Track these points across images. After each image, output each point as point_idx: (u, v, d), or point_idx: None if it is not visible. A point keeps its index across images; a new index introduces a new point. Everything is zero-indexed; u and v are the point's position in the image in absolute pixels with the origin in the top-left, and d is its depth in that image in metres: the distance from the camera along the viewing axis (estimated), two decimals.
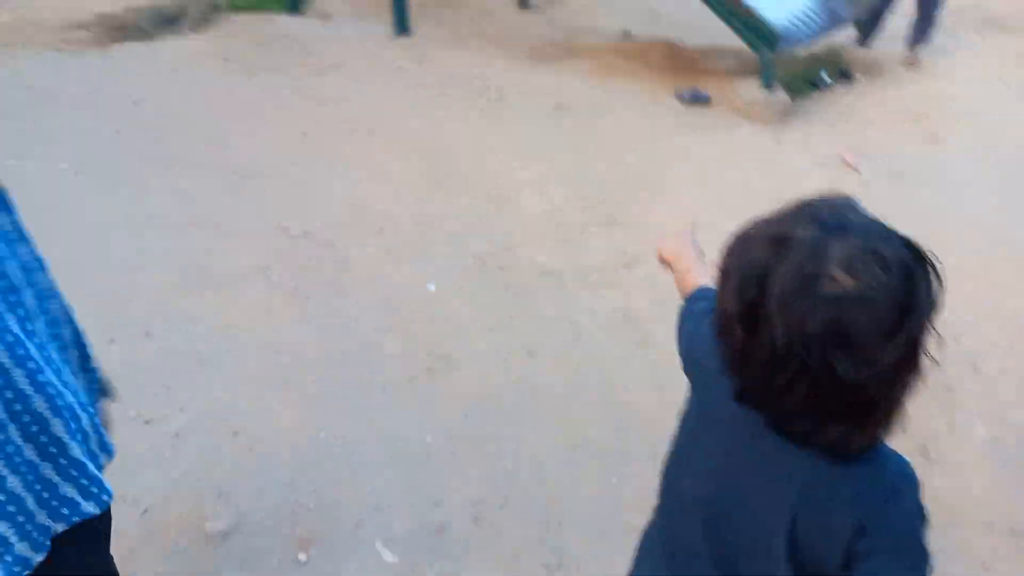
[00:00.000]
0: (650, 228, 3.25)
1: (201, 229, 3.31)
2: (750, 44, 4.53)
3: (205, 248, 3.17)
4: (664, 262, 1.27)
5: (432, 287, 2.92)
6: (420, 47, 5.82)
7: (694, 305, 1.13)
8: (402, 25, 6.10)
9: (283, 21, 6.64)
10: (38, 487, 1.05)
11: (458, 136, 4.23)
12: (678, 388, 2.36)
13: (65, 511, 1.09)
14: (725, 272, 0.85)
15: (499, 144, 4.13)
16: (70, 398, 1.08)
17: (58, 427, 1.05)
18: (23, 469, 1.02)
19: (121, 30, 6.35)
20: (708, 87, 4.85)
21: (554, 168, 3.85)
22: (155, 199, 3.49)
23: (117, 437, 1.27)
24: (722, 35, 4.91)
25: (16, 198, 1.15)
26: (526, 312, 2.78)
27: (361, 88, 5.00)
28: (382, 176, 3.80)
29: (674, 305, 1.21)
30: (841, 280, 0.74)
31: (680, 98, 4.70)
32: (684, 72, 5.15)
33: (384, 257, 3.13)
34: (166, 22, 6.54)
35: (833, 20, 5.09)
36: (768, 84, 4.50)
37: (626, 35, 5.94)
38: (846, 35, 5.60)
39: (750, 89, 4.63)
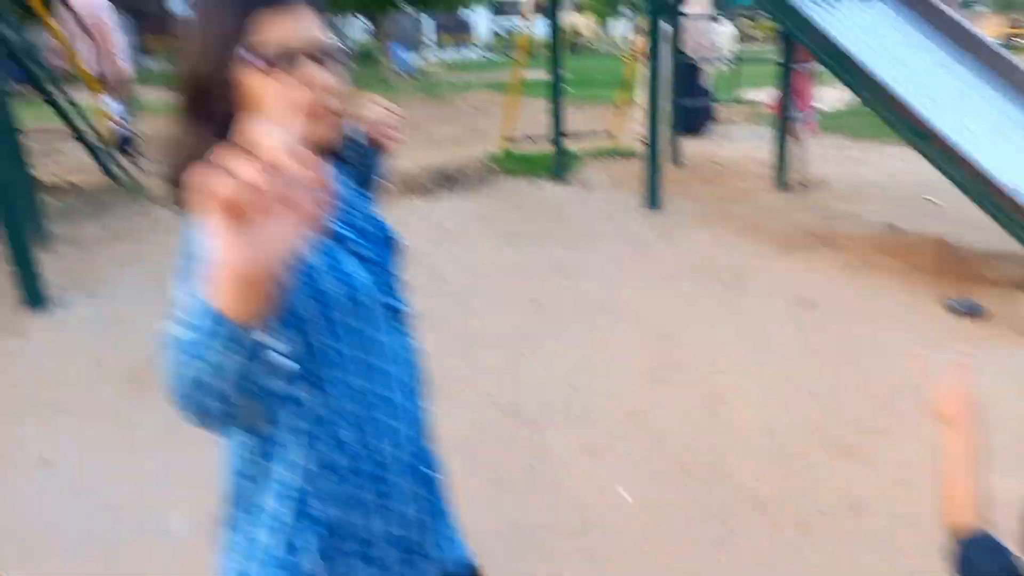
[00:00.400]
0: (888, 467, 2.71)
1: None
2: None
3: None
4: (941, 418, 1.12)
5: (626, 495, 2.65)
6: (668, 222, 5.75)
7: (978, 558, 0.96)
8: (653, 200, 6.11)
9: (547, 187, 6.98)
10: None
11: (686, 321, 3.99)
12: None
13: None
14: None
15: (728, 337, 3.81)
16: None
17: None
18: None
19: (409, 186, 7.06)
20: (985, 297, 4.16)
21: (784, 373, 3.44)
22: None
23: None
24: (1008, 235, 4.25)
25: None
26: (727, 549, 2.38)
27: (601, 260, 4.98)
28: (601, 357, 3.65)
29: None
30: None
31: (949, 307, 4.07)
32: (956, 277, 4.49)
33: (583, 449, 2.92)
34: (446, 181, 7.18)
35: None
36: None
37: (891, 227, 5.40)
38: None
39: None
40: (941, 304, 4.12)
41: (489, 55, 32.42)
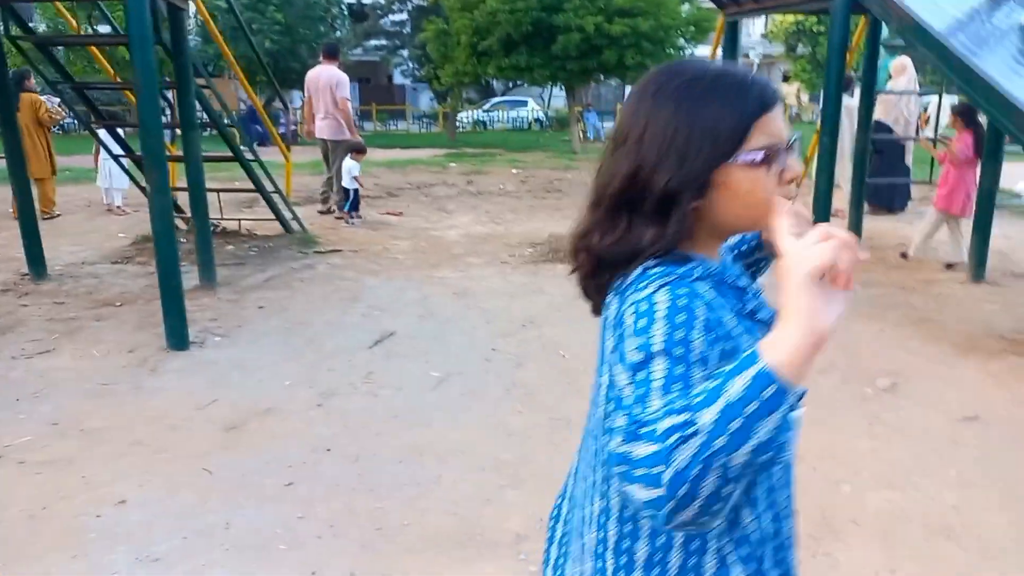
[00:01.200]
0: None
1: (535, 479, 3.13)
2: None
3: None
4: None
5: None
6: None
7: None
8: None
9: None
10: None
11: (816, 430, 3.43)
12: None
13: None
14: None
15: (863, 453, 3.22)
16: None
17: None
18: None
19: (558, 252, 6.94)
20: None
21: (936, 506, 2.81)
22: (531, 421, 3.45)
23: None
24: None
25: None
26: None
27: None
28: None
29: None
30: None
31: None
32: None
33: None
34: None
35: None
36: None
37: None
38: None
39: None
40: None
41: None
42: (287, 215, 7.05)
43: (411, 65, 27.35)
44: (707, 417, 0.74)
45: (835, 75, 5.44)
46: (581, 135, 20.78)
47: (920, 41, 4.95)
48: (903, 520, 2.71)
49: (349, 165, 8.25)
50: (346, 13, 27.33)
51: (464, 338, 4.57)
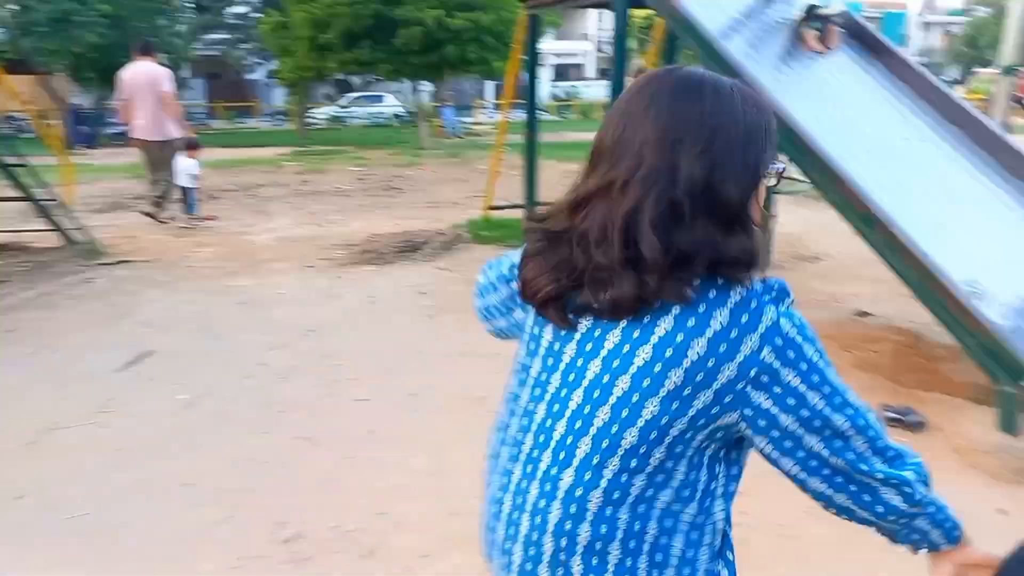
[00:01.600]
0: None
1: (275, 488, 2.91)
2: (987, 370, 3.11)
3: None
4: None
5: None
6: None
7: None
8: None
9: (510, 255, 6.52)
10: None
11: None
12: None
13: None
14: None
15: None
16: None
17: None
18: None
19: (370, 254, 6.73)
20: (934, 405, 3.45)
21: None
22: (272, 443, 3.20)
23: None
24: None
25: None
26: None
27: None
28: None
29: None
30: None
31: (885, 416, 3.36)
32: (914, 376, 3.78)
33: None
34: (410, 249, 6.81)
35: None
36: (1009, 428, 3.01)
37: (860, 314, 4.70)
38: None
39: (986, 425, 3.16)
40: (879, 410, 3.43)
41: (544, 116, 32.52)
42: (68, 225, 6.45)
43: (251, 59, 26.19)
44: (927, 492, 0.99)
45: (618, 68, 5.52)
46: (437, 131, 20.56)
47: (691, 38, 5.04)
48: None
49: (185, 164, 7.74)
50: (191, 4, 25.80)
51: (231, 353, 4.28)
